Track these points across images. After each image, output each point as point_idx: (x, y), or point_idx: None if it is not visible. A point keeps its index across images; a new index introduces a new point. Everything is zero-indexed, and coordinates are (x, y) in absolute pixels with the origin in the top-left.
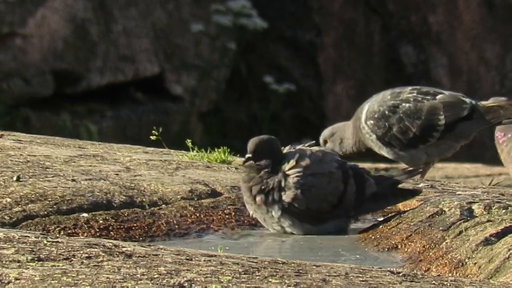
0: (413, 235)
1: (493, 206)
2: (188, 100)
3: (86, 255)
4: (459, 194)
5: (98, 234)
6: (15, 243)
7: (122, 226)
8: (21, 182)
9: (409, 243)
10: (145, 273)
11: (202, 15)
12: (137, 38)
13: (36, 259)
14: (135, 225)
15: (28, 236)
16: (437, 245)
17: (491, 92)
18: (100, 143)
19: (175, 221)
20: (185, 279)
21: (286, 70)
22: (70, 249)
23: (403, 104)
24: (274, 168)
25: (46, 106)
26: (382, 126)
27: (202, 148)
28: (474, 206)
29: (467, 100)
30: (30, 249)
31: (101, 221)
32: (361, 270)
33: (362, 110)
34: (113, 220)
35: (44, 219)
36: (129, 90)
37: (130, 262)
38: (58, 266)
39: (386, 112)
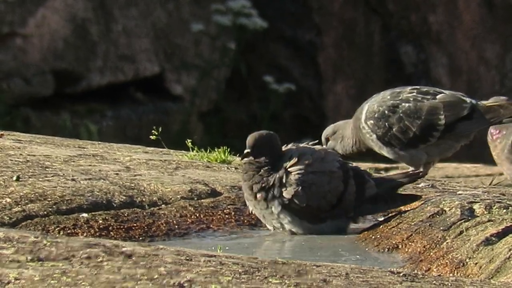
0: (413, 235)
1: (494, 206)
2: (188, 100)
3: (86, 255)
4: (459, 194)
5: (98, 234)
6: (14, 243)
7: (122, 226)
8: (21, 182)
9: (410, 243)
10: (145, 273)
11: (202, 15)
12: (137, 38)
13: (35, 259)
14: (135, 225)
15: (28, 236)
16: (437, 245)
17: (491, 91)
18: (100, 142)
19: (175, 221)
20: (185, 279)
21: (286, 70)
22: (69, 249)
23: (403, 104)
24: (273, 165)
25: (46, 106)
26: (382, 126)
27: (202, 148)
28: (475, 206)
29: (467, 99)
30: (30, 249)
31: (101, 221)
32: (362, 270)
33: (362, 110)
34: (113, 220)
35: (43, 219)
36: (129, 90)
37: (130, 262)
38: (57, 266)
39: (386, 112)
